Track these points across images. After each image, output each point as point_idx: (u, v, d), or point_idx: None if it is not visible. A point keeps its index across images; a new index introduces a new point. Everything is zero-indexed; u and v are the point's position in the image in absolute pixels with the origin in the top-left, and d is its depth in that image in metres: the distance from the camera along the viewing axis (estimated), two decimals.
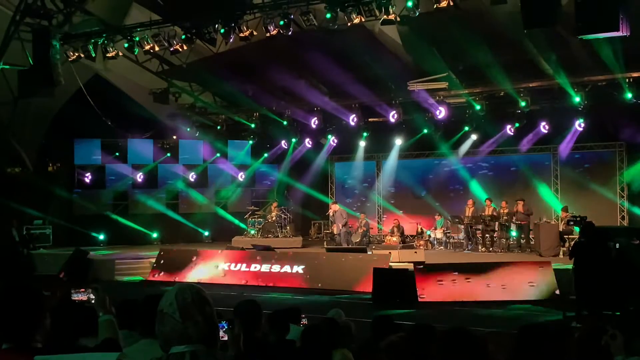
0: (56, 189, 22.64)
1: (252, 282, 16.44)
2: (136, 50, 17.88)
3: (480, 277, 13.97)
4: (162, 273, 17.72)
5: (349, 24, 15.35)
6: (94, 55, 18.07)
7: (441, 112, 19.76)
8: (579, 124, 19.69)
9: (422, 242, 21.42)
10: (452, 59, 18.91)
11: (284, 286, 15.92)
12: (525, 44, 15.94)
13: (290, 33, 15.96)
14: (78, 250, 18.20)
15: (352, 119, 21.43)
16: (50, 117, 22.34)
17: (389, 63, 18.79)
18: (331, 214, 22.31)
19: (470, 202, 20.88)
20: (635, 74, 17.31)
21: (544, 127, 20.26)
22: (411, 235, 22.29)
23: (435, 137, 22.05)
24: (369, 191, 25.53)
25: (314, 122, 22.16)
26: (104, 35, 17.91)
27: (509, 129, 20.61)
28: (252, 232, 23.01)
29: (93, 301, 4.02)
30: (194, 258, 17.86)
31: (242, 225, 24.08)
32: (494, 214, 20.01)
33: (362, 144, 24.11)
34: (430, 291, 13.66)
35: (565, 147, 21.26)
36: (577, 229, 15.19)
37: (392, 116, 20.59)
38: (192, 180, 25.19)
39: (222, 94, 23.57)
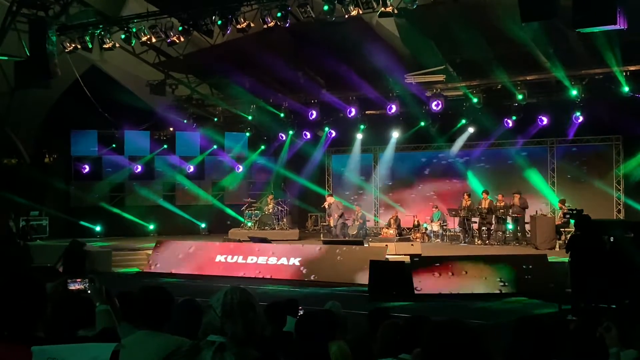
0: (53, 180, 22.60)
1: (248, 274, 16.46)
2: (133, 41, 17.80)
3: (476, 269, 14.02)
4: (159, 265, 17.74)
5: (346, 16, 15.31)
6: (90, 46, 17.99)
7: (438, 105, 19.72)
8: (576, 117, 19.71)
9: (418, 235, 21.46)
10: (449, 52, 18.88)
11: (281, 278, 15.95)
12: (522, 37, 15.92)
13: (287, 25, 15.92)
14: (74, 242, 18.19)
15: (350, 112, 21.41)
16: (46, 109, 22.28)
17: (386, 55, 18.75)
18: (326, 206, 22.31)
19: (466, 194, 20.92)
20: (632, 67, 17.30)
21: (540, 121, 20.27)
22: (408, 228, 22.32)
23: (432, 130, 22.05)
24: (365, 184, 25.55)
25: (311, 115, 22.13)
26: (101, 26, 17.83)
27: (506, 122, 20.62)
28: (249, 224, 23.03)
29: (89, 292, 4.02)
30: (191, 250, 17.89)
31: (239, 218, 24.09)
32: (491, 206, 20.05)
33: (359, 136, 24.10)
34: (427, 283, 13.69)
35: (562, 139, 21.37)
36: (572, 222, 15.23)
37: (390, 109, 20.58)
38: (188, 172, 25.18)
39: (219, 86, 23.51)
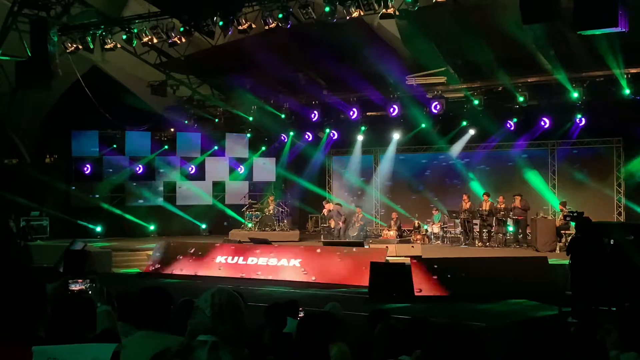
0: (53, 180, 22.61)
1: (248, 275, 16.45)
2: (134, 42, 17.83)
3: (477, 271, 14.01)
4: (159, 265, 17.73)
5: (347, 18, 15.33)
6: (92, 46, 18.02)
7: (439, 107, 19.70)
8: (577, 120, 19.70)
9: (419, 237, 21.46)
10: (450, 54, 18.90)
11: (281, 279, 15.95)
12: (523, 39, 15.93)
13: (289, 26, 15.94)
14: (73, 243, 18.19)
15: (351, 113, 21.40)
16: (47, 109, 22.30)
17: (387, 57, 18.77)
18: (325, 213, 22.26)
19: (465, 197, 20.89)
20: (633, 70, 17.28)
21: (541, 123, 20.26)
22: (408, 230, 22.31)
23: (433, 132, 22.05)
24: (366, 185, 25.53)
25: (312, 116, 22.12)
26: (102, 26, 17.87)
27: (507, 124, 20.62)
28: (250, 225, 23.04)
29: (90, 292, 4.02)
30: (191, 251, 17.87)
31: (240, 219, 24.09)
32: (491, 209, 20.04)
33: (360, 138, 24.10)
34: (427, 285, 13.68)
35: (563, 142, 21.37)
36: (573, 224, 15.22)
37: (391, 110, 20.56)
38: (189, 172, 25.19)
39: (220, 87, 23.54)
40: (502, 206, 19.95)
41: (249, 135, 25.40)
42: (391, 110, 20.53)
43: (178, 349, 2.72)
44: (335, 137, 24.11)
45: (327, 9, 15.14)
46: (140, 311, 3.86)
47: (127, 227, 23.71)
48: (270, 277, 16.16)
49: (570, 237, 14.81)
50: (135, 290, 4.20)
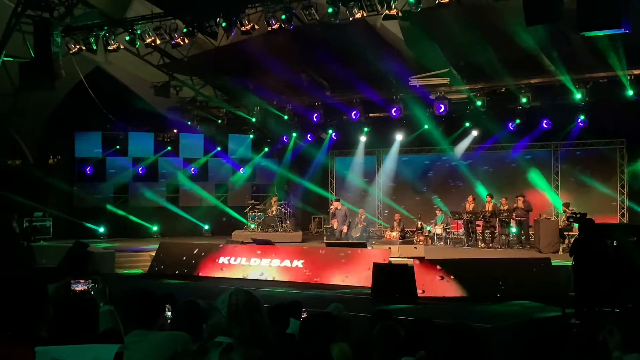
0: (56, 181, 22.63)
1: (251, 276, 16.45)
2: (137, 43, 17.86)
3: (479, 272, 13.99)
4: (162, 266, 17.73)
5: (350, 19, 15.33)
6: (95, 47, 18.05)
7: (442, 108, 19.70)
8: (580, 121, 19.69)
9: (422, 238, 21.43)
10: (453, 55, 18.88)
11: (284, 280, 15.94)
12: (526, 40, 15.92)
13: (291, 27, 15.95)
14: (77, 243, 18.20)
15: (353, 114, 21.40)
16: (50, 110, 22.32)
17: (390, 58, 18.77)
18: (332, 210, 22.25)
19: (470, 198, 20.84)
20: (636, 71, 17.26)
21: (545, 124, 20.25)
22: (411, 231, 22.29)
23: (435, 133, 22.04)
24: (369, 186, 25.53)
25: (314, 117, 22.13)
26: (106, 27, 17.89)
27: (510, 125, 20.61)
28: (252, 226, 23.05)
29: (93, 292, 4.03)
30: (194, 252, 17.88)
31: (242, 219, 24.10)
32: (494, 210, 20.01)
33: (363, 139, 24.11)
34: (430, 286, 13.67)
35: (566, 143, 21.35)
36: (576, 226, 15.20)
37: (393, 111, 20.56)
38: (192, 173, 25.21)
39: (223, 88, 23.55)
40: (505, 207, 19.93)
41: (251, 136, 25.43)
42: (394, 111, 20.54)
43: (195, 349, 2.73)
44: (338, 138, 24.12)
45: (329, 10, 15.15)
46: (137, 311, 3.87)
47: (130, 228, 23.73)
48: (273, 278, 16.15)
49: (573, 239, 14.78)
50: (124, 292, 4.21)
